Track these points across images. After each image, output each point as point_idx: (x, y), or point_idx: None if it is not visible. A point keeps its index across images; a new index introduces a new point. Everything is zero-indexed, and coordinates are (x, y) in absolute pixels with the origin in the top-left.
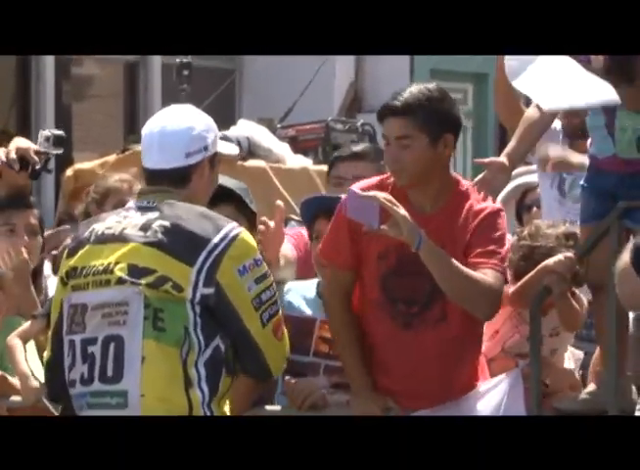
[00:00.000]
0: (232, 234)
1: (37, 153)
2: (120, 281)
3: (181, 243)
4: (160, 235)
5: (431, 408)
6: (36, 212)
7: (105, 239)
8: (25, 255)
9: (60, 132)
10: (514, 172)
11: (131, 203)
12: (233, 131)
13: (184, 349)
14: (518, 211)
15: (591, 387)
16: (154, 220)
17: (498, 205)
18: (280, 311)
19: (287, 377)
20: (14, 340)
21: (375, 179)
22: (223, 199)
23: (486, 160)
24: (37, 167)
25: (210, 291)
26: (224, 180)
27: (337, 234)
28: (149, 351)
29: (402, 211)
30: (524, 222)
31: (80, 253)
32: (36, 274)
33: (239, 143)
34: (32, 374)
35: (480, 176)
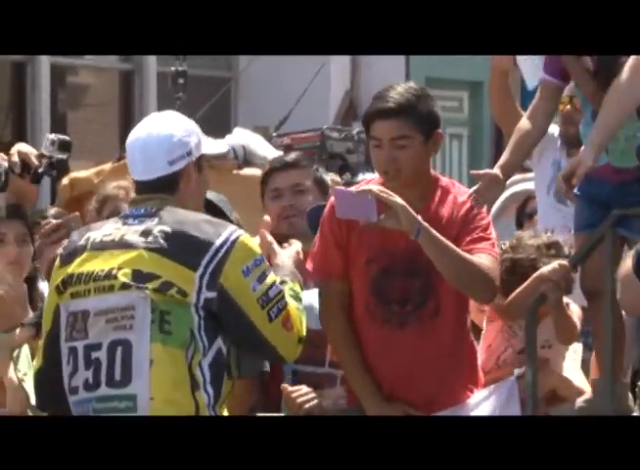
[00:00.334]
0: (232, 237)
1: (40, 157)
2: (125, 286)
3: (183, 248)
4: (161, 241)
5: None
6: (26, 221)
7: (104, 246)
8: (11, 280)
9: (65, 137)
10: (509, 180)
11: (127, 210)
12: (229, 139)
13: (190, 351)
14: (519, 219)
15: (587, 395)
16: (154, 226)
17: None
18: (288, 304)
19: (283, 384)
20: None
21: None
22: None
23: (481, 172)
24: (40, 171)
25: (213, 295)
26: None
27: (323, 245)
28: (156, 354)
29: (399, 199)
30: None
31: (77, 260)
32: (31, 282)
33: (234, 151)
34: (20, 383)
35: (474, 188)
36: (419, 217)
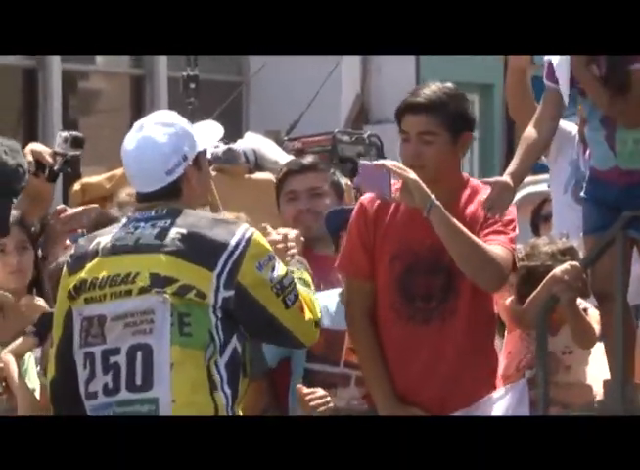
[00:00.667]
0: (247, 235)
1: (54, 154)
2: (143, 290)
3: (200, 249)
4: (178, 243)
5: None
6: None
7: (117, 250)
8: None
9: (78, 134)
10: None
11: (136, 214)
12: (240, 144)
13: (208, 352)
14: (534, 222)
15: (599, 397)
16: (168, 229)
17: None
18: (301, 294)
19: (298, 385)
20: (6, 356)
21: None
22: None
23: (492, 179)
24: (55, 169)
25: (231, 293)
26: None
27: (350, 244)
28: (176, 356)
29: (413, 175)
30: (540, 233)
31: (89, 266)
32: (38, 285)
33: (246, 156)
34: (30, 389)
35: (485, 195)
36: (432, 196)
